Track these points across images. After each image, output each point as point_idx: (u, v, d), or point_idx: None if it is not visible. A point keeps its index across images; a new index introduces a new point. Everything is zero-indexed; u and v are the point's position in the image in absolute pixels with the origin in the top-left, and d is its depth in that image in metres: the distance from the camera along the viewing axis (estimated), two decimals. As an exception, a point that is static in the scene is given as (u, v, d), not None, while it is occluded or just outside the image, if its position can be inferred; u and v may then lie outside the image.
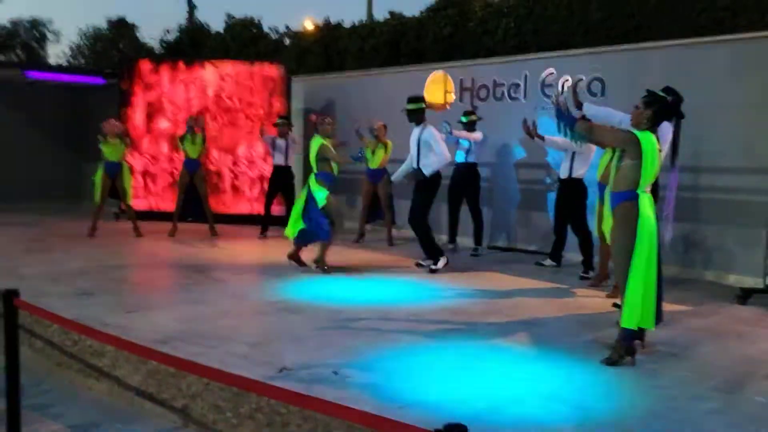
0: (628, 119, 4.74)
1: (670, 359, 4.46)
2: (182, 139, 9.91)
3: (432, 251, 7.42)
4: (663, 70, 7.66)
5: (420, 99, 7.58)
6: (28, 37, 26.44)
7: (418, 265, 7.48)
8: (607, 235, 6.20)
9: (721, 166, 7.36)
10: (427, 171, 7.30)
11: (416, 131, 7.50)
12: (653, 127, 4.33)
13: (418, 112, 7.50)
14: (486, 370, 4.18)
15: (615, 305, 5.58)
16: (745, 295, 6.30)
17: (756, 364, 4.45)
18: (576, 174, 7.28)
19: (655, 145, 4.25)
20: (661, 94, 4.42)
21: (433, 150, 7.27)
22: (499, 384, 3.92)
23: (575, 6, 10.29)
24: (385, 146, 9.36)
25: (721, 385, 3.98)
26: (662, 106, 4.34)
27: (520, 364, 4.32)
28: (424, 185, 7.38)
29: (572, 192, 7.28)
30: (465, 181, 8.71)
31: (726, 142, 7.27)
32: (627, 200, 4.20)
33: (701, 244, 7.51)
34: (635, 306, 4.12)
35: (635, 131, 4.27)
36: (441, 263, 7.39)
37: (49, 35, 26.72)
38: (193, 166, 9.89)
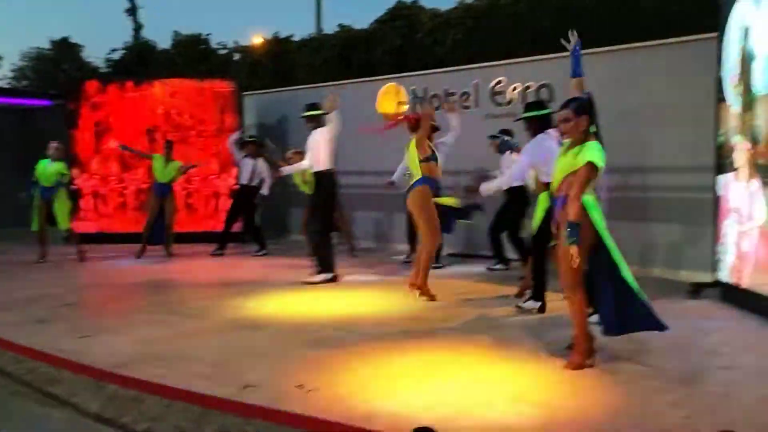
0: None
1: (629, 354, 4.54)
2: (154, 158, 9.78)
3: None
4: (607, 75, 7.86)
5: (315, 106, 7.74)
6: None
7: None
8: None
9: (668, 166, 7.58)
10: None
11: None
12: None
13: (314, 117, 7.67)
14: (451, 375, 4.20)
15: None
16: (695, 290, 6.49)
17: (710, 356, 4.58)
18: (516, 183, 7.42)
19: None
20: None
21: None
22: (465, 388, 3.94)
23: (522, 15, 10.49)
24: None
25: (679, 378, 4.08)
26: (591, 107, 4.31)
27: (484, 367, 4.36)
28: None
29: (511, 200, 7.71)
30: None
31: (671, 142, 7.50)
32: None
33: (653, 243, 7.71)
34: None
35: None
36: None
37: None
38: (163, 191, 9.74)
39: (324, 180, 7.53)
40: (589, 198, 4.19)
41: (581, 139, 4.25)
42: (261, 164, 9.98)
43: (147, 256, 9.61)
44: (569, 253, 4.13)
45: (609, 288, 4.18)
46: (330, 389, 3.92)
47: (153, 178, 9.94)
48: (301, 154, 8.26)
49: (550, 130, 5.79)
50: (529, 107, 6.15)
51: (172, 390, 3.92)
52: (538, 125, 5.90)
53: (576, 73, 4.85)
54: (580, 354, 4.28)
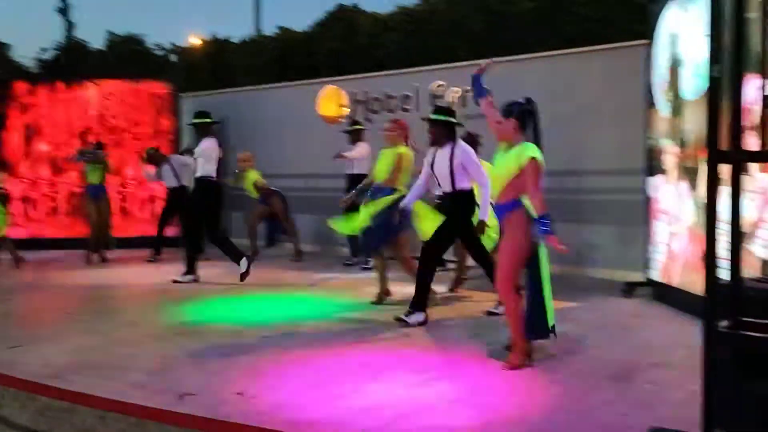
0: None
1: (565, 354, 4.65)
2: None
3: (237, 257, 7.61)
4: (543, 80, 8.04)
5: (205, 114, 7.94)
6: None
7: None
8: None
9: (601, 169, 7.79)
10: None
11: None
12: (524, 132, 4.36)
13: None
14: (392, 378, 4.21)
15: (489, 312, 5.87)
16: (629, 289, 6.68)
17: (643, 353, 4.71)
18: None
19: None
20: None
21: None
22: (406, 391, 3.96)
23: (458, 20, 10.61)
24: None
25: (613, 375, 4.19)
26: (522, 111, 4.38)
27: (424, 369, 4.38)
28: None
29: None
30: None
31: (603, 145, 7.71)
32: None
33: (587, 243, 7.90)
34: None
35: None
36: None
37: None
38: (96, 193, 9.48)
39: (209, 187, 7.71)
40: (526, 201, 4.29)
41: (515, 142, 4.34)
42: (176, 159, 9.72)
43: (81, 262, 9.32)
44: (514, 253, 4.24)
45: (534, 298, 4.35)
46: (271, 396, 3.88)
47: (85, 181, 9.68)
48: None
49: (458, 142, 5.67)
50: (441, 111, 5.83)
51: (103, 401, 3.81)
52: (445, 133, 5.66)
53: (482, 94, 4.86)
54: (517, 354, 4.35)
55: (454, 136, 5.73)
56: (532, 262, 4.31)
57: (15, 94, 11.12)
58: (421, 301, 5.60)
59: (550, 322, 4.37)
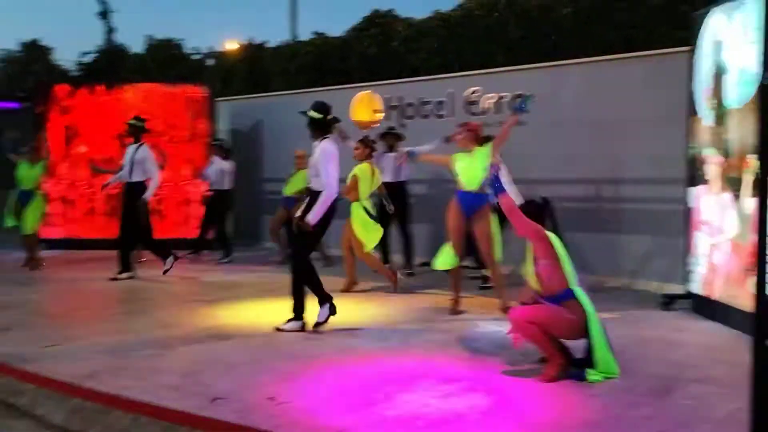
0: None
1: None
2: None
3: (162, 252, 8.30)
4: (580, 86, 7.93)
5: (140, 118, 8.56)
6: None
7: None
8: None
9: (639, 178, 7.64)
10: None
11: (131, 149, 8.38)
12: None
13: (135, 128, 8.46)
14: (424, 387, 4.15)
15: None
16: (668, 301, 6.53)
17: (682, 368, 4.58)
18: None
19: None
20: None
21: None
22: (438, 401, 3.90)
23: (495, 26, 10.53)
24: None
25: (652, 391, 4.08)
26: (537, 211, 4.54)
27: (457, 379, 4.32)
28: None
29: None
30: (394, 199, 8.64)
31: (643, 154, 7.55)
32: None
33: (625, 254, 7.75)
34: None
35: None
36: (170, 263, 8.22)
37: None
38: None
39: (141, 191, 8.27)
40: (579, 291, 4.32)
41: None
42: (218, 162, 9.87)
43: (115, 263, 9.42)
44: (554, 316, 4.29)
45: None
46: (302, 402, 3.85)
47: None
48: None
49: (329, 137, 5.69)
50: (313, 106, 5.80)
51: (136, 403, 3.82)
52: (313, 127, 5.69)
53: None
54: (553, 367, 4.27)
55: (324, 133, 5.68)
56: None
57: (56, 97, 11.33)
58: (299, 308, 5.63)
59: (591, 377, 4.22)
